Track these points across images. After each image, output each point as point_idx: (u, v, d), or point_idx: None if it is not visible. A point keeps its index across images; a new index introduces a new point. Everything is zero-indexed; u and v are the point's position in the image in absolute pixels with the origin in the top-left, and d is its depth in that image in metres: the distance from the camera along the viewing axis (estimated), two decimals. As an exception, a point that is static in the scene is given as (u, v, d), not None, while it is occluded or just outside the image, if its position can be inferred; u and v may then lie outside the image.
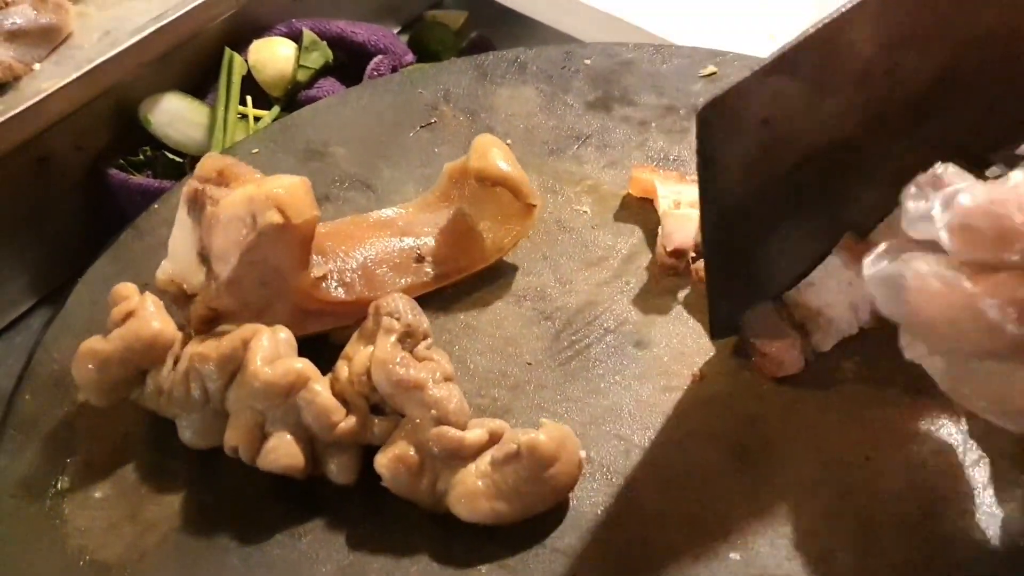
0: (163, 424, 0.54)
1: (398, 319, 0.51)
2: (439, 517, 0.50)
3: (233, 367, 0.52)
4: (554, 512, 0.51)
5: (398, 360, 0.50)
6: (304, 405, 0.50)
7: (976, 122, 0.51)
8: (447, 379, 0.51)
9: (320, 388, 0.51)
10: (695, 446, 0.53)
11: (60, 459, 0.55)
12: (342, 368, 0.52)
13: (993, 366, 0.41)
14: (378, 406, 0.52)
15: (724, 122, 0.47)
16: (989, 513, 0.49)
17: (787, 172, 0.51)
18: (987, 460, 0.48)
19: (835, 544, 0.49)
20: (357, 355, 0.52)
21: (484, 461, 0.50)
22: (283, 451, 0.50)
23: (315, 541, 0.51)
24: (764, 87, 0.47)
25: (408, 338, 0.51)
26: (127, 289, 0.55)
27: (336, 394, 0.51)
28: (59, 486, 0.54)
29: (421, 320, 0.52)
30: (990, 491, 0.50)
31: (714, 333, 0.57)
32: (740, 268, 0.55)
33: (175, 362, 0.53)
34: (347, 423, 0.50)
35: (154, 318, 0.53)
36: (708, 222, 0.51)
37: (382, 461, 0.49)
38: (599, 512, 0.51)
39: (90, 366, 0.52)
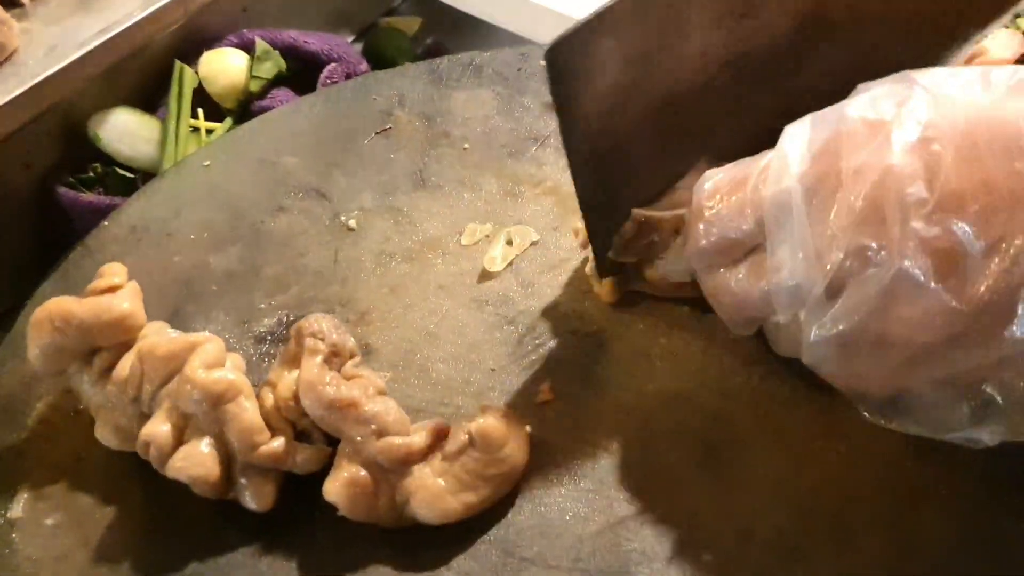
0: (117, 450, 0.52)
1: (322, 339, 0.50)
2: (402, 532, 0.49)
3: (175, 367, 0.50)
4: (522, 520, 0.50)
5: (327, 381, 0.49)
6: (229, 419, 0.49)
7: (851, 68, 0.50)
8: (380, 394, 0.50)
9: (248, 405, 0.49)
10: (663, 446, 0.52)
11: (10, 486, 0.53)
12: (266, 395, 0.50)
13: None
14: (305, 433, 0.50)
15: (575, 63, 0.47)
16: (964, 507, 0.49)
17: (650, 113, 0.50)
18: (961, 452, 0.47)
19: (808, 542, 0.48)
20: (281, 380, 0.50)
21: (436, 460, 0.49)
22: (196, 460, 0.49)
23: (275, 564, 0.49)
24: (614, 28, 0.46)
25: (335, 357, 0.50)
26: (118, 267, 0.55)
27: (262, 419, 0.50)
28: (9, 515, 0.52)
29: (346, 338, 0.51)
30: (966, 484, 0.49)
31: (601, 272, 0.57)
32: (611, 207, 0.54)
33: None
34: (270, 446, 0.49)
35: (128, 300, 0.53)
36: (574, 165, 0.51)
37: (333, 489, 0.48)
38: (568, 518, 0.50)
39: (55, 322, 0.51)
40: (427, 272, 0.63)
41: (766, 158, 0.45)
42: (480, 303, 0.60)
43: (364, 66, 0.87)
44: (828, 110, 0.44)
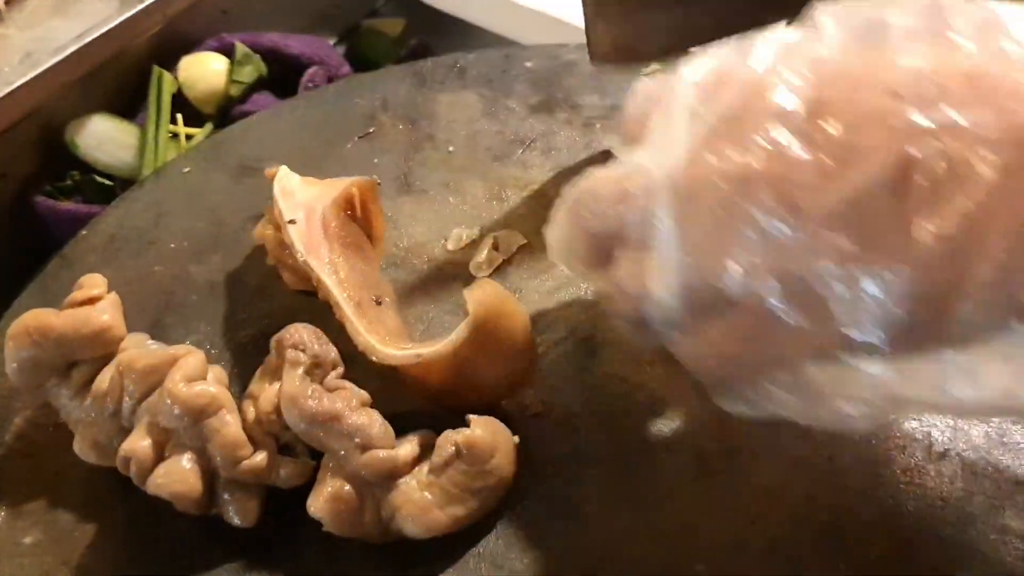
0: (98, 466, 0.51)
1: (303, 351, 0.49)
2: (388, 546, 0.48)
3: (155, 380, 0.49)
4: (511, 532, 0.49)
5: (309, 393, 0.48)
6: (210, 434, 0.47)
7: None
8: (364, 405, 0.49)
9: (231, 419, 0.48)
10: (655, 455, 0.52)
11: (-14, 505, 0.52)
12: (248, 408, 0.49)
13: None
14: (288, 446, 0.49)
15: None
16: (958, 509, 0.48)
17: None
18: (953, 453, 0.47)
19: (802, 550, 0.47)
20: (263, 393, 0.49)
21: (422, 472, 0.48)
22: (177, 476, 0.47)
23: (261, 581, 0.48)
24: None
25: (317, 369, 0.49)
26: (98, 279, 0.53)
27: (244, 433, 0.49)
28: (-15, 534, 0.51)
29: (329, 349, 0.50)
30: (959, 486, 0.49)
31: (593, 55, 0.53)
32: None
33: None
34: (252, 461, 0.48)
35: (107, 312, 0.51)
36: None
37: (317, 505, 0.47)
38: (558, 529, 0.49)
39: (33, 335, 0.50)
40: (412, 278, 0.62)
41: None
42: (463, 309, 0.59)
43: (346, 69, 0.86)
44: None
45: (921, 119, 0.33)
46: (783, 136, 0.35)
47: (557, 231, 0.45)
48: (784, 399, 0.39)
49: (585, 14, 0.50)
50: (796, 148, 0.35)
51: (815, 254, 0.34)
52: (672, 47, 0.50)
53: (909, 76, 0.34)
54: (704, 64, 0.40)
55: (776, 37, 0.39)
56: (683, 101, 0.39)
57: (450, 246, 0.63)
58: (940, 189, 0.32)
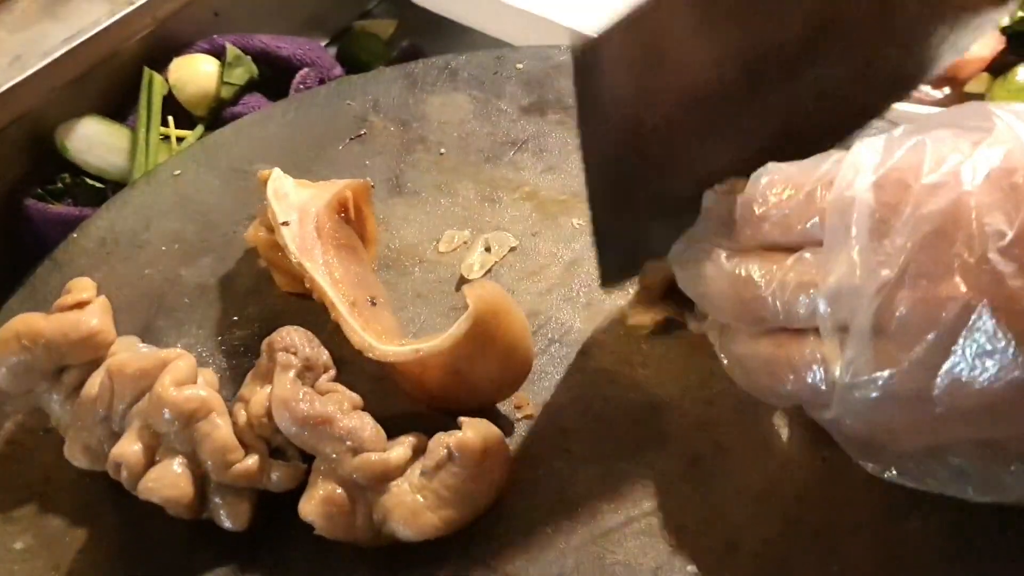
0: (88, 470, 0.51)
1: (295, 353, 0.49)
2: (381, 550, 0.48)
3: (145, 384, 0.49)
4: (504, 534, 0.49)
5: (300, 396, 0.47)
6: (201, 438, 0.47)
7: (851, 77, 0.50)
8: (356, 408, 0.49)
9: (221, 423, 0.48)
10: (647, 456, 0.51)
11: (-24, 510, 0.52)
12: (239, 412, 0.49)
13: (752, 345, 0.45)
14: (279, 449, 0.49)
15: (604, 60, 0.46)
16: (950, 515, 0.48)
17: (666, 117, 0.49)
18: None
19: (794, 551, 0.47)
20: (254, 396, 0.49)
21: (414, 475, 0.47)
22: (168, 480, 0.47)
23: (253, 585, 0.48)
24: (640, 28, 0.46)
25: (308, 372, 0.49)
26: (87, 283, 0.53)
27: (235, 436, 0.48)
28: (-25, 539, 0.51)
29: (320, 352, 0.50)
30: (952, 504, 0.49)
31: (604, 280, 0.56)
32: (625, 215, 0.53)
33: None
34: (244, 464, 0.48)
35: (96, 316, 0.52)
36: (590, 166, 0.50)
37: (309, 508, 0.47)
38: (550, 531, 0.49)
39: (22, 340, 0.50)
40: (404, 280, 0.62)
41: (827, 163, 0.42)
42: (459, 311, 0.59)
43: (338, 70, 0.86)
44: (911, 130, 0.41)
45: None
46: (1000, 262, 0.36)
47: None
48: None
49: (597, 247, 0.54)
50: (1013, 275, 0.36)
51: None
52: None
53: None
54: (873, 167, 0.40)
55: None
56: (864, 208, 0.39)
57: (442, 248, 0.63)
58: None
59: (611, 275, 0.56)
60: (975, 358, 0.37)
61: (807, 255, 0.41)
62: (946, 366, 0.37)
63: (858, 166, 0.40)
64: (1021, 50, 0.85)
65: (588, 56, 0.46)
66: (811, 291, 0.41)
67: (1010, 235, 0.36)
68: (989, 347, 0.36)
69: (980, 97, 0.83)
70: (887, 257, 0.38)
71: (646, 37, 0.46)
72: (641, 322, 0.57)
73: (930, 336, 0.37)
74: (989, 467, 0.41)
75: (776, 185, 0.44)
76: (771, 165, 0.45)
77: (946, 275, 0.37)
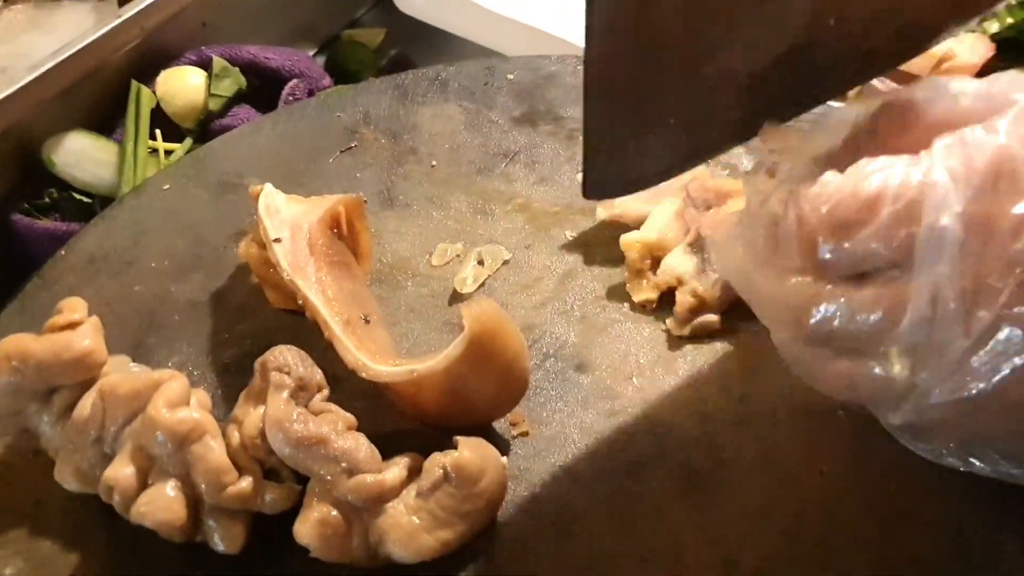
0: (79, 493, 0.50)
1: (288, 373, 0.48)
2: (377, 572, 0.47)
3: (138, 406, 0.48)
4: (502, 555, 0.48)
5: (294, 417, 0.47)
6: (194, 460, 0.47)
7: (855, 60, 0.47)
8: (350, 428, 0.48)
9: (215, 445, 0.47)
10: (644, 474, 0.51)
11: (-34, 534, 0.51)
12: (232, 433, 0.48)
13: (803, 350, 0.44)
14: (273, 471, 0.49)
15: None
16: (949, 528, 0.48)
17: (675, 22, 0.45)
18: (946, 471, 0.47)
19: (794, 568, 0.47)
20: (247, 417, 0.48)
21: (410, 496, 0.47)
22: (161, 504, 0.46)
23: (248, 608, 0.48)
24: None
25: (302, 392, 0.48)
26: (78, 303, 0.53)
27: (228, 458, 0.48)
28: (-35, 565, 0.50)
29: (314, 371, 0.49)
30: (950, 504, 0.48)
31: (587, 191, 0.51)
32: (625, 118, 0.48)
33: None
34: (238, 487, 0.47)
35: (88, 337, 0.51)
36: (592, 48, 0.45)
37: (304, 531, 0.46)
38: (548, 551, 0.48)
39: (12, 361, 0.49)
40: (396, 294, 0.61)
41: (895, 175, 0.40)
42: (452, 326, 0.59)
43: (327, 81, 0.85)
44: (978, 131, 0.39)
45: None
46: None
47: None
48: None
49: (585, 151, 0.50)
50: None
51: None
52: (667, 170, 0.51)
53: None
54: (959, 193, 0.39)
55: None
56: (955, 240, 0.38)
57: (434, 261, 0.63)
58: None
59: (596, 187, 0.51)
60: None
61: (886, 289, 0.40)
62: None
63: (942, 187, 0.38)
64: (1011, 56, 0.85)
65: None
66: (892, 322, 0.39)
67: None
68: None
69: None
70: (981, 298, 0.37)
71: None
72: (648, 296, 0.57)
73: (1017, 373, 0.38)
74: None
75: (841, 206, 0.40)
76: (828, 176, 0.42)
77: None
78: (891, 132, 0.42)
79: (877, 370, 0.41)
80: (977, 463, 0.43)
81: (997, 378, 0.38)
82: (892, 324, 0.39)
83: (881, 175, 0.39)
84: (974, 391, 0.38)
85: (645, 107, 0.48)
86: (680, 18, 0.45)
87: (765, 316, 0.46)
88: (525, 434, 0.53)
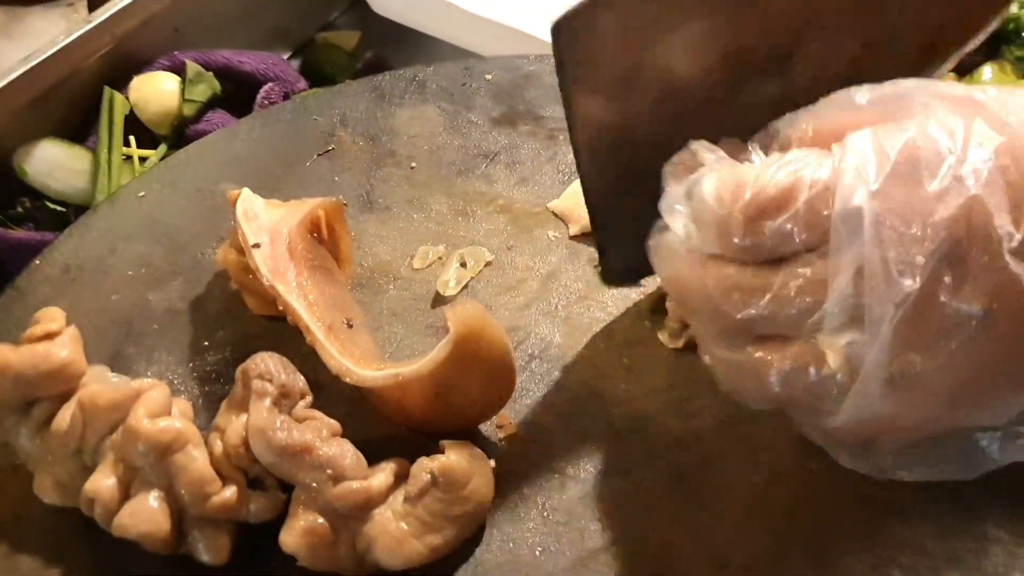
0: (60, 507, 0.49)
1: (270, 380, 0.47)
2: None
3: (119, 417, 0.48)
4: (491, 558, 0.48)
5: (278, 425, 0.46)
6: (177, 471, 0.46)
7: (839, 72, 0.48)
8: (335, 435, 0.47)
9: (197, 454, 0.47)
10: (633, 473, 0.51)
11: (-57, 552, 0.50)
12: (215, 442, 0.48)
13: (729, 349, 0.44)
14: (257, 479, 0.48)
15: (581, 41, 0.45)
16: (939, 522, 0.48)
17: (652, 101, 0.48)
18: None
19: (785, 565, 0.47)
20: (230, 426, 0.48)
21: (397, 502, 0.46)
22: (144, 516, 0.46)
23: (234, 622, 0.47)
24: (616, 4, 0.45)
25: (284, 399, 0.47)
26: (56, 313, 0.52)
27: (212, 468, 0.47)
28: (-56, 583, 0.49)
29: (296, 378, 0.48)
30: (940, 498, 0.48)
31: (608, 279, 0.55)
32: (624, 204, 0.50)
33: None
34: (221, 496, 0.46)
35: (66, 347, 0.50)
36: (580, 153, 0.48)
37: (290, 540, 0.45)
38: (538, 553, 0.48)
39: None
40: (378, 299, 0.61)
41: (810, 163, 0.41)
42: (436, 329, 0.58)
43: (302, 84, 0.85)
44: (893, 128, 0.40)
45: None
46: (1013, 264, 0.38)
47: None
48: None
49: (597, 243, 0.53)
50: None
51: None
52: None
53: None
54: (872, 174, 0.40)
55: None
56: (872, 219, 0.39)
57: (416, 264, 0.62)
58: None
59: (614, 275, 0.54)
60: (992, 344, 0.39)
61: (805, 270, 0.40)
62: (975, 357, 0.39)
63: (856, 172, 0.39)
64: (985, 49, 0.85)
65: (574, 24, 0.44)
66: (814, 303, 0.40)
67: (1019, 236, 0.37)
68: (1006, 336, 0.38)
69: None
70: (905, 267, 0.38)
71: (623, 13, 0.45)
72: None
73: (952, 344, 0.38)
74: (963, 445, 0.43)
75: (758, 192, 0.41)
76: (746, 166, 0.43)
77: (965, 281, 0.38)
78: (803, 141, 0.44)
79: (812, 368, 0.41)
80: (922, 469, 0.44)
81: (943, 354, 0.38)
82: (815, 305, 0.40)
83: (796, 164, 0.41)
84: (918, 368, 0.39)
85: (639, 208, 0.48)
86: (654, 135, 0.47)
87: (694, 315, 0.46)
88: (512, 436, 0.53)
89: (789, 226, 0.40)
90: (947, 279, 0.38)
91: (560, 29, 0.44)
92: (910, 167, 0.39)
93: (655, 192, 0.47)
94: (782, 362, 0.41)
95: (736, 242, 0.41)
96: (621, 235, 0.52)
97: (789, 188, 0.40)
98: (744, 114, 0.48)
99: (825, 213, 0.39)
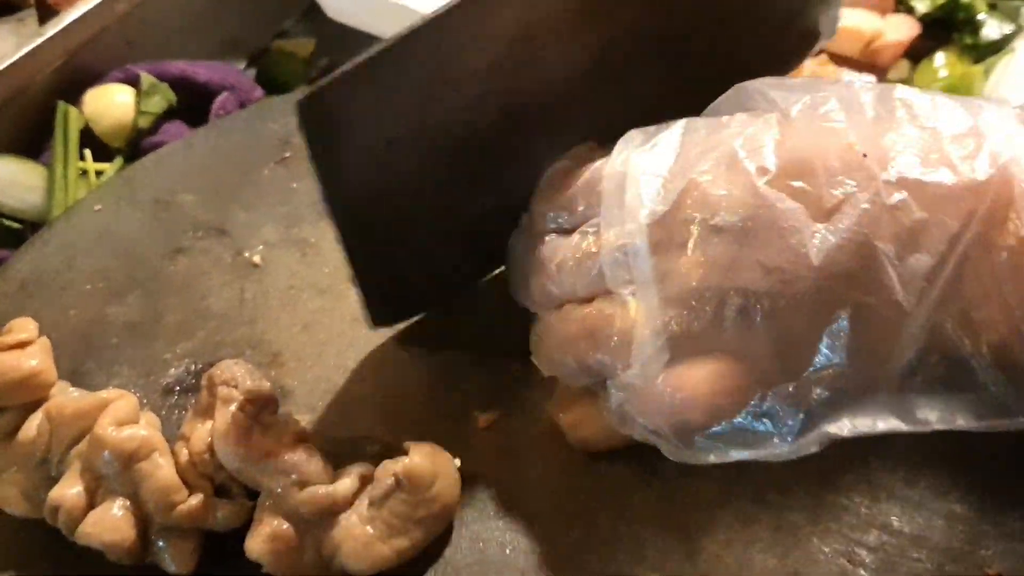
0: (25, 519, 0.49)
1: (236, 387, 0.47)
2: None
3: (85, 426, 0.48)
4: (460, 559, 0.48)
5: (243, 430, 0.46)
6: (142, 479, 0.46)
7: (629, 120, 0.48)
8: (301, 440, 0.47)
9: (163, 462, 0.46)
10: (602, 466, 0.51)
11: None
12: (180, 450, 0.47)
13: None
14: (223, 487, 0.48)
15: (335, 116, 0.45)
16: (907, 500, 0.48)
17: (422, 158, 0.49)
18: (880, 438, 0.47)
19: (753, 550, 0.47)
20: (195, 433, 0.47)
21: (363, 506, 0.46)
22: (108, 524, 0.45)
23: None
24: (375, 79, 0.44)
25: (250, 405, 0.47)
26: (28, 323, 0.52)
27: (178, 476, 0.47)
28: (-95, 608, 0.48)
29: (262, 384, 0.48)
30: (909, 477, 0.49)
31: (375, 321, 0.55)
32: (387, 268, 0.53)
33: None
34: (187, 505, 0.46)
35: (36, 357, 0.50)
36: (340, 222, 0.50)
37: (255, 546, 0.45)
38: (508, 552, 0.48)
39: None
40: (340, 305, 0.60)
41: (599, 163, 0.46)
42: (399, 333, 0.58)
43: (258, 93, 0.84)
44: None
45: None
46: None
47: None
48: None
49: (360, 293, 0.53)
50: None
51: None
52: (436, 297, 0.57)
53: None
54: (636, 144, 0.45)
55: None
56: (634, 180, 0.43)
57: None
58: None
59: (380, 317, 0.55)
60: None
61: (589, 229, 0.44)
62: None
63: (629, 142, 0.44)
64: (936, 36, 0.87)
65: (313, 108, 0.44)
66: (595, 259, 0.43)
67: (773, 169, 0.40)
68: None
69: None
70: (656, 216, 0.41)
71: (384, 86, 0.45)
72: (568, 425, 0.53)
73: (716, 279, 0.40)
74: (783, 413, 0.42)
75: (557, 176, 0.48)
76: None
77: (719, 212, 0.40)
78: None
79: (616, 321, 0.42)
80: (735, 450, 0.43)
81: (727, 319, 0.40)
82: (592, 262, 0.43)
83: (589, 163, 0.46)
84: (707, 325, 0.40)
85: (400, 254, 0.52)
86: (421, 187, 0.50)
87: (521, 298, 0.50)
88: (490, 424, 0.53)
89: (570, 196, 0.46)
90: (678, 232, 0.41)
91: (309, 108, 0.44)
92: (674, 134, 0.43)
93: (416, 236, 0.51)
94: (587, 315, 0.44)
95: (545, 213, 0.47)
96: (382, 283, 0.53)
97: (579, 172, 0.46)
98: (524, 164, 0.50)
99: (598, 188, 0.44)
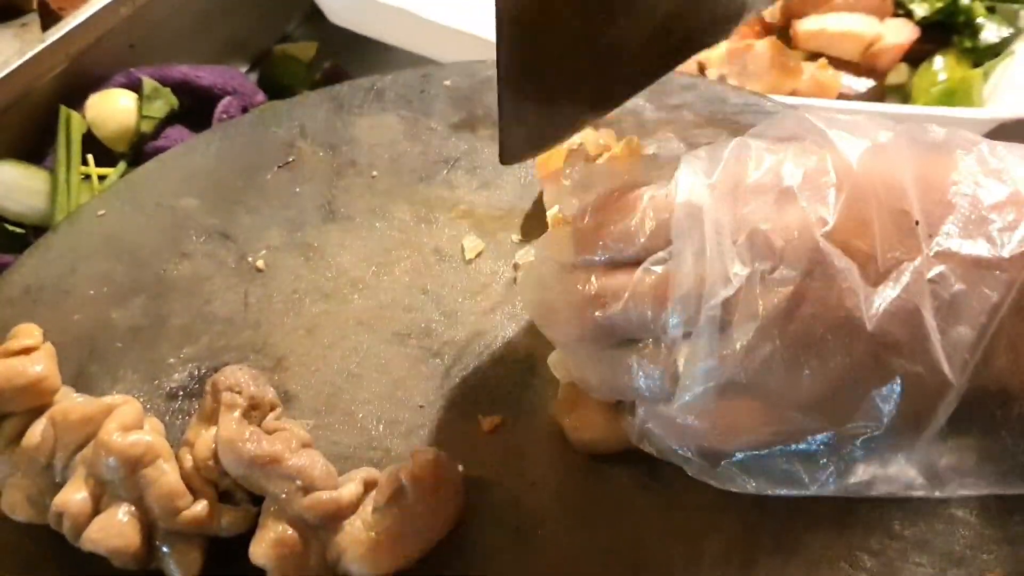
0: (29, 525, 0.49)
1: (239, 392, 0.47)
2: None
3: (90, 431, 0.48)
4: (463, 565, 0.48)
5: (247, 436, 0.46)
6: (147, 485, 0.46)
7: None
8: (305, 446, 0.47)
9: (168, 468, 0.46)
10: (604, 470, 0.51)
11: (-90, 579, 0.50)
12: (184, 456, 0.48)
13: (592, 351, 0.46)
14: (227, 492, 0.48)
15: None
16: (909, 504, 0.48)
17: None
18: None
19: (757, 553, 0.47)
20: (199, 439, 0.48)
21: (367, 511, 0.46)
22: (114, 530, 0.46)
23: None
24: None
25: (254, 411, 0.47)
26: (32, 329, 0.52)
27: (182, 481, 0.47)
28: (-90, 612, 0.48)
29: (266, 390, 0.48)
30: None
31: (504, 156, 0.51)
32: (533, 85, 0.49)
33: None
34: (192, 510, 0.46)
35: (41, 363, 0.50)
36: (505, 26, 0.46)
37: (260, 551, 0.45)
38: (509, 559, 0.48)
39: None
40: (344, 309, 0.60)
41: (651, 187, 0.45)
42: (402, 337, 0.58)
43: (261, 97, 0.85)
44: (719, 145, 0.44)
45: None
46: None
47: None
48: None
49: (501, 120, 0.50)
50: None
51: None
52: (574, 128, 0.53)
53: None
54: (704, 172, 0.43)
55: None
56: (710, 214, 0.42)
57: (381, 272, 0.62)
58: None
59: (516, 148, 0.52)
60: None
61: (657, 267, 0.42)
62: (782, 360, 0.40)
63: (692, 172, 0.43)
64: (935, 39, 0.87)
65: None
66: (665, 300, 0.42)
67: (832, 223, 0.39)
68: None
69: (901, 88, 0.84)
70: (732, 257, 0.40)
71: None
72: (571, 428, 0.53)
73: (773, 329, 0.40)
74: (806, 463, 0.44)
75: (608, 203, 0.45)
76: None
77: (779, 264, 0.40)
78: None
79: (661, 367, 0.43)
80: (762, 481, 0.45)
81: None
82: (661, 301, 0.42)
83: (642, 188, 0.45)
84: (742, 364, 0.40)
85: (552, 77, 0.48)
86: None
87: (556, 326, 0.47)
88: (496, 427, 0.53)
89: (632, 227, 0.43)
90: (770, 262, 0.40)
91: None
92: (739, 159, 0.42)
93: (565, 77, 0.48)
94: (637, 360, 0.44)
95: (589, 249, 0.45)
96: (523, 115, 0.50)
97: (634, 197, 0.44)
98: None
99: (666, 216, 0.42)
